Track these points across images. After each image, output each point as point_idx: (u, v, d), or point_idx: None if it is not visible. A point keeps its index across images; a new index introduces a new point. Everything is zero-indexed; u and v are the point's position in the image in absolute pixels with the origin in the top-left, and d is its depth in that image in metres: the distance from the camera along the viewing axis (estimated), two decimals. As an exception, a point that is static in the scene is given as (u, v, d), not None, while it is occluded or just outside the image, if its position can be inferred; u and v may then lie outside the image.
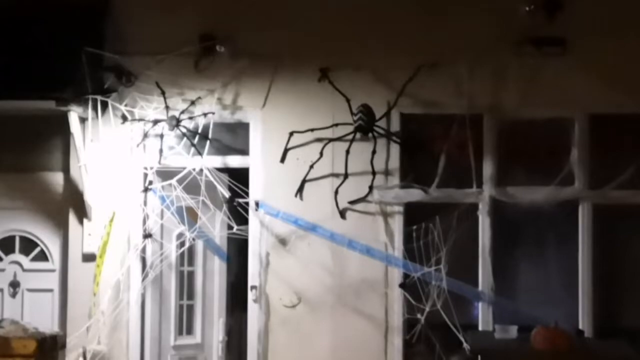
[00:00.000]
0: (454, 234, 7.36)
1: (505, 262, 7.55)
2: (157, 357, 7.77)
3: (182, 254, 7.91)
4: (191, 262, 8.03)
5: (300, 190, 7.58)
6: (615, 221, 7.55)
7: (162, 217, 7.75)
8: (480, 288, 7.47)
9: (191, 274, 8.02)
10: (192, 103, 7.63)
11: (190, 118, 7.63)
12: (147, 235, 7.64)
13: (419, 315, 7.32)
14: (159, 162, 7.64)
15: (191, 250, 7.97)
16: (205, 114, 7.61)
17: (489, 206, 7.48)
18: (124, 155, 7.75)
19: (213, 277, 8.09)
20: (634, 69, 7.44)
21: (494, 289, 7.44)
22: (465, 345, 6.98)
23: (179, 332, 7.92)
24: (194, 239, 7.66)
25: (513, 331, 6.63)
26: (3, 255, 8.02)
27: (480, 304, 7.48)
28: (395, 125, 7.60)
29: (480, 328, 7.42)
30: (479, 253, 7.51)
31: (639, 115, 7.45)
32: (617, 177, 7.31)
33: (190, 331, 7.98)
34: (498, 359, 6.29)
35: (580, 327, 7.31)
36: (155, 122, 7.65)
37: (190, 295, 8.00)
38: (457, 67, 7.50)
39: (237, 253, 8.33)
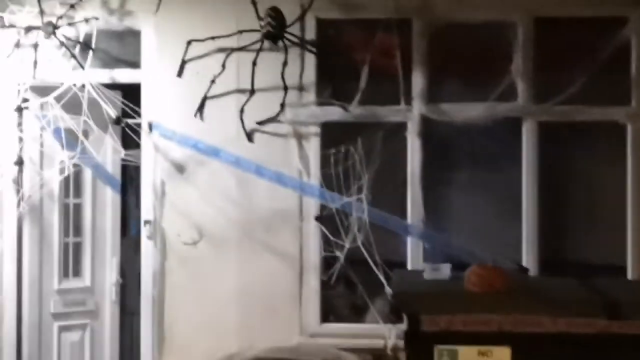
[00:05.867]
0: (379, 158, 6.97)
1: (438, 190, 7.17)
2: (38, 302, 7.29)
3: (67, 184, 7.40)
4: (78, 193, 7.51)
5: (200, 108, 7.10)
6: (563, 141, 7.15)
7: (41, 141, 7.26)
8: (409, 220, 7.09)
9: (78, 207, 7.52)
10: (72, 7, 7.07)
11: (70, 24, 7.11)
12: (19, 162, 7.16)
13: (337, 253, 6.95)
14: (34, 77, 7.08)
15: (78, 180, 7.47)
16: (87, 20, 7.08)
17: (419, 125, 7.05)
18: None
19: (104, 210, 7.59)
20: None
21: (424, 221, 7.06)
22: (387, 287, 6.64)
23: (64, 274, 7.43)
24: (75, 166, 7.14)
25: (445, 270, 6.17)
26: None
27: (409, 239, 7.10)
28: (310, 32, 7.10)
29: (409, 267, 7.06)
30: (407, 180, 7.10)
31: (591, 19, 7.02)
32: (566, 89, 6.88)
33: (77, 273, 7.50)
34: (423, 305, 5.69)
35: (524, 263, 6.96)
36: (29, 29, 7.10)
37: (78, 232, 7.51)
38: (382, -37, 7.05)
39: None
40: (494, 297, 5.61)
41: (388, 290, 6.44)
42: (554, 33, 7.02)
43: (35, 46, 7.04)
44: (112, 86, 7.18)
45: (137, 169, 7.34)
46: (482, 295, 5.64)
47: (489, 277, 5.71)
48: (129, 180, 7.90)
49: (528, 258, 6.96)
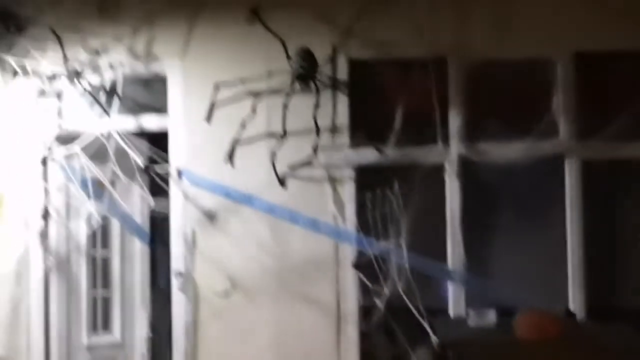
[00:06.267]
0: (417, 202, 6.76)
1: (479, 233, 6.97)
2: (66, 359, 7.11)
3: (94, 236, 7.26)
4: (106, 245, 7.35)
5: (230, 154, 6.92)
6: (609, 180, 6.97)
7: (66, 192, 7.11)
8: (449, 265, 6.90)
9: (106, 260, 7.35)
10: (96, 53, 6.99)
11: (95, 71, 7.00)
12: (45, 215, 6.99)
13: (377, 301, 6.74)
14: (58, 126, 6.99)
15: (105, 231, 7.32)
16: (112, 66, 7.00)
17: (458, 166, 6.89)
18: (14, 118, 7.05)
19: (133, 262, 7.43)
20: (629, -7, 6.88)
21: (466, 265, 6.87)
22: (432, 336, 6.34)
23: (93, 329, 7.27)
24: (104, 218, 7.06)
25: (491, 316, 6.19)
26: None
27: (450, 285, 6.90)
28: (343, 73, 6.94)
29: (451, 314, 6.84)
30: (447, 223, 6.93)
31: (633, 52, 6.85)
32: (609, 125, 6.72)
33: (107, 328, 7.34)
34: (473, 353, 5.62)
35: (571, 308, 6.72)
36: (52, 77, 6.99)
37: (106, 285, 7.34)
38: (415, 0, 6.88)
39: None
40: (547, 345, 5.50)
41: (434, 339, 6.24)
42: (595, 67, 6.86)
43: (59, 94, 6.95)
44: (139, 133, 7.06)
45: (165, 218, 7.16)
46: (534, 343, 5.49)
47: (541, 323, 5.61)
48: (158, 231, 7.70)
49: (575, 303, 6.72)
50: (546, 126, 6.78)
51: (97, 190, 6.93)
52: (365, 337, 6.84)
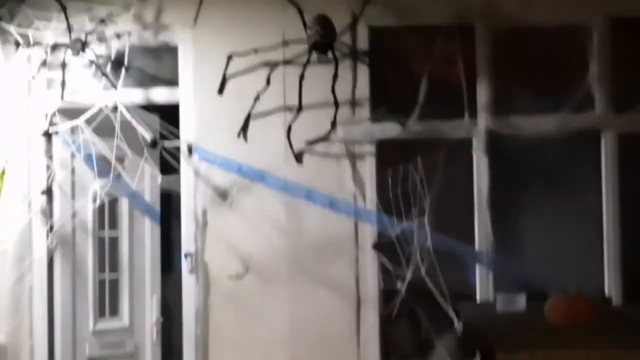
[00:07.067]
0: (442, 179, 6.63)
1: (508, 213, 6.81)
2: (71, 346, 6.94)
3: (101, 216, 7.05)
4: (113, 224, 7.16)
5: (244, 128, 6.70)
6: None
7: (71, 168, 6.95)
8: (476, 247, 6.74)
9: (114, 241, 7.17)
10: (102, 21, 6.81)
11: (101, 41, 6.84)
12: (46, 192, 6.82)
13: (398, 284, 6.60)
14: (62, 98, 6.79)
15: (113, 210, 7.12)
16: (119, 35, 6.84)
17: (486, 141, 6.73)
18: (17, 90, 6.89)
19: (143, 242, 7.24)
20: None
21: (494, 247, 6.70)
22: (456, 322, 6.23)
23: (100, 313, 7.09)
24: (111, 196, 6.89)
25: (521, 301, 6.07)
26: None
27: (477, 267, 6.74)
28: (363, 42, 6.79)
29: (478, 298, 6.67)
30: (474, 202, 6.77)
31: None
32: None
33: (114, 312, 7.15)
34: (501, 339, 5.33)
35: (607, 291, 6.52)
36: (56, 47, 6.83)
37: (114, 267, 7.16)
38: (440, -37, 6.80)
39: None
40: (581, 330, 5.39)
41: (458, 324, 6.09)
42: (633, 35, 6.69)
43: (63, 65, 6.77)
44: (148, 107, 6.92)
45: (176, 196, 7.00)
46: (566, 328, 5.26)
47: (574, 307, 5.50)
48: (169, 210, 7.61)
49: (611, 285, 6.55)
50: (580, 98, 6.63)
51: (103, 166, 6.76)
52: (386, 323, 6.70)
